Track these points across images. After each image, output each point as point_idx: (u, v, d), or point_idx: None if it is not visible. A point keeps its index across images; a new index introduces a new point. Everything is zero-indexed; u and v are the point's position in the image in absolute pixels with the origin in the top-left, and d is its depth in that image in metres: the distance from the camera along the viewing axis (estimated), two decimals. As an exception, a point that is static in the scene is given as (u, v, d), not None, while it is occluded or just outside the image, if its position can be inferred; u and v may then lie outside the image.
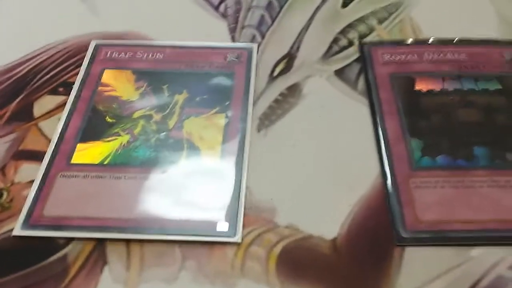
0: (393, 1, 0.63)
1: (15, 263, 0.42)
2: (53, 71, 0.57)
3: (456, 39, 0.58)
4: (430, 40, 0.58)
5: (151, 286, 0.41)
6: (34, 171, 0.47)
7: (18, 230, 0.43)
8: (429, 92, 0.53)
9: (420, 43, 0.58)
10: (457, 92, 0.53)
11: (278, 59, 0.58)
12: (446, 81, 0.54)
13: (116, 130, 0.50)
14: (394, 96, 0.52)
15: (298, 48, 0.59)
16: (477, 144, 0.48)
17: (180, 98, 0.53)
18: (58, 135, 0.50)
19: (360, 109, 0.53)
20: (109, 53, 0.58)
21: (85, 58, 0.57)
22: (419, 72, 0.54)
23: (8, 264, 0.42)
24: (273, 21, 0.61)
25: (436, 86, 0.53)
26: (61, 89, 0.55)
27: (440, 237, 0.42)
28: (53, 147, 0.49)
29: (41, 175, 0.47)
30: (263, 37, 0.60)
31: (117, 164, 0.48)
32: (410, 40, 0.58)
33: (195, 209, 0.45)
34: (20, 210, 0.45)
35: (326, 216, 0.45)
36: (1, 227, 0.44)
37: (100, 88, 0.54)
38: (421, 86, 0.53)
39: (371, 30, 0.60)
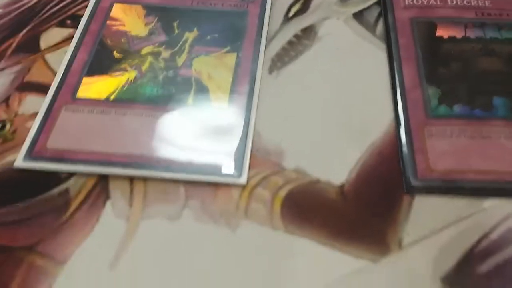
0: None
1: (16, 194, 0.42)
2: (62, 3, 0.55)
3: (482, -16, 0.55)
4: (455, -15, 0.55)
5: (153, 222, 0.40)
6: (38, 104, 0.47)
7: (20, 161, 0.43)
8: (450, 39, 0.50)
9: (444, -13, 0.55)
10: (479, 40, 0.50)
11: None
12: (469, 28, 0.51)
13: (123, 66, 0.49)
14: (414, 42, 0.50)
15: (315, -12, 0.56)
16: (496, 94, 0.46)
17: (190, 35, 0.51)
18: (64, 68, 0.49)
19: (377, 53, 0.51)
20: (119, -14, 0.56)
21: (95, -9, 0.55)
22: (441, 18, 0.52)
23: (9, 195, 0.42)
24: (291, -40, 0.59)
25: (458, 33, 0.51)
26: (69, 21, 0.54)
27: (452, 187, 0.41)
28: (59, 80, 0.48)
29: (46, 108, 0.46)
30: (279, -24, 0.58)
31: (123, 100, 0.46)
32: (433, -16, 0.56)
33: (201, 149, 0.43)
34: (23, 142, 0.44)
35: (335, 162, 0.43)
36: (3, 158, 0.44)
37: (108, 22, 0.52)
38: (442, 32, 0.51)
39: (393, -28, 0.58)
